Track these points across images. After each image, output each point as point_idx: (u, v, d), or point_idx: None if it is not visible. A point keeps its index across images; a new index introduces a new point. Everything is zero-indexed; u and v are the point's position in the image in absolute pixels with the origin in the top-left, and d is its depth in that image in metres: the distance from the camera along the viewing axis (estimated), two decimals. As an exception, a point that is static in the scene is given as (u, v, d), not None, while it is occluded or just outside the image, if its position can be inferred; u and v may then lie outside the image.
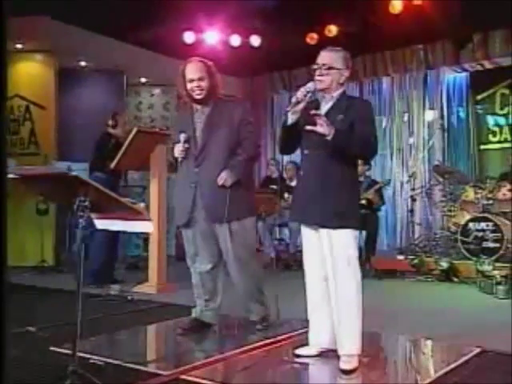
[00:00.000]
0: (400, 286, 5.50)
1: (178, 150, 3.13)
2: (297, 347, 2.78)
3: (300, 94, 2.61)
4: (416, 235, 6.88)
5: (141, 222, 2.05)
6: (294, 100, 2.63)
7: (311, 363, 2.69)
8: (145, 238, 6.93)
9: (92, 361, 2.64)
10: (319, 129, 2.52)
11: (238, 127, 3.18)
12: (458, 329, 3.46)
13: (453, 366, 2.57)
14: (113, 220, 2.09)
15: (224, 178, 3.08)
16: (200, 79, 3.12)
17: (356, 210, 2.75)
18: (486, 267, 5.27)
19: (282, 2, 7.13)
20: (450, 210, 6.48)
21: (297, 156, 8.01)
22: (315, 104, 2.72)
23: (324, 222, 2.61)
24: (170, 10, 6.77)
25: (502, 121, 7.59)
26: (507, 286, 4.63)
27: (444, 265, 5.58)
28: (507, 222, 5.81)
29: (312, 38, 8.00)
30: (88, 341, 3.13)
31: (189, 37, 7.81)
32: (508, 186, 5.94)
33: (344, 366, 2.56)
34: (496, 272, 4.95)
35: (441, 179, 6.66)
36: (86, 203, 2.03)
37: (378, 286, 5.30)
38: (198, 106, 3.23)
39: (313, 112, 2.57)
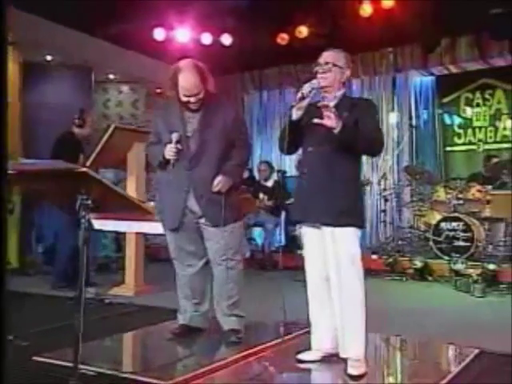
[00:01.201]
0: (377, 285, 5.44)
1: (170, 152, 2.87)
2: (299, 352, 2.65)
3: (306, 89, 2.52)
4: (387, 235, 6.88)
5: (149, 222, 1.85)
6: (299, 95, 2.52)
7: (315, 369, 2.56)
8: (114, 237, 6.66)
9: (83, 371, 2.42)
10: (327, 122, 2.42)
11: (232, 128, 3.00)
12: (443, 328, 3.43)
13: (458, 369, 2.50)
14: (116, 220, 1.89)
15: (220, 183, 2.91)
16: (197, 94, 2.87)
17: (360, 208, 2.65)
18: (459, 266, 5.31)
19: (254, 1, 7.02)
20: (420, 210, 6.52)
21: (268, 155, 7.81)
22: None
23: (328, 220, 2.51)
24: (141, 5, 6.53)
25: (466, 123, 7.72)
26: (484, 285, 4.65)
27: (418, 264, 5.60)
28: (476, 221, 5.89)
29: (283, 39, 7.91)
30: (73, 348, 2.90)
31: (159, 33, 7.56)
32: (477, 187, 6.02)
33: (352, 371, 2.45)
34: (472, 270, 4.97)
35: (410, 179, 6.68)
36: (89, 202, 1.83)
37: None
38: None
39: (321, 103, 2.49)
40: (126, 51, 7.49)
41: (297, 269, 6.63)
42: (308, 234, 2.65)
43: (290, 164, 8.58)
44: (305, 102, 2.52)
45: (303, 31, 7.71)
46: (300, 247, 7.38)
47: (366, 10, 7.07)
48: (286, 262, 6.77)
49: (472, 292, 4.64)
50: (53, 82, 7.11)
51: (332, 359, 2.60)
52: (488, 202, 5.93)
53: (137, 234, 4.70)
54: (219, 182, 2.90)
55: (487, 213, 5.90)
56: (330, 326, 2.60)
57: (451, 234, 5.80)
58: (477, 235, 5.71)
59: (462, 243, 5.73)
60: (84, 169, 1.68)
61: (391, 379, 2.55)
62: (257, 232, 6.79)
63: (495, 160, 6.39)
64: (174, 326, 3.16)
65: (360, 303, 2.51)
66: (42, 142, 6.42)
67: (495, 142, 7.50)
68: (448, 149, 7.81)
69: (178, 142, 2.87)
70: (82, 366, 2.49)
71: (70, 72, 7.27)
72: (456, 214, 5.90)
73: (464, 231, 5.75)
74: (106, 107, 8.10)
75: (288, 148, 2.59)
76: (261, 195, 6.31)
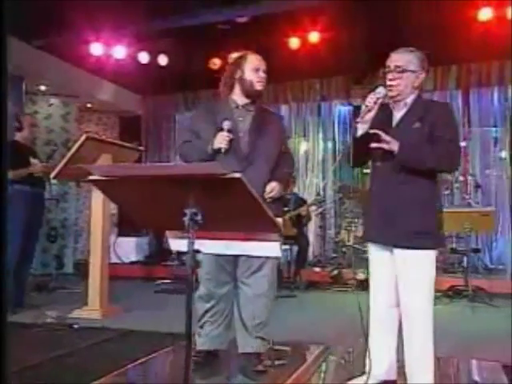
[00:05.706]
0: (327, 297, 5.32)
1: (222, 140, 2.43)
2: (350, 379, 2.27)
3: (370, 100, 2.15)
4: (326, 248, 6.79)
5: (269, 243, 1.40)
6: (363, 108, 2.15)
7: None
8: (55, 255, 5.74)
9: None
10: (384, 145, 2.12)
11: (282, 140, 2.70)
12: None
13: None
14: (228, 241, 1.41)
15: (275, 190, 2.51)
16: (264, 70, 2.62)
17: (437, 228, 2.21)
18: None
19: (189, 25, 6.64)
20: (350, 226, 6.49)
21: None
22: (386, 111, 2.25)
23: (400, 242, 2.14)
24: (80, 18, 5.83)
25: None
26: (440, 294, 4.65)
27: (361, 275, 5.50)
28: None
29: (214, 64, 7.59)
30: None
31: (96, 48, 6.82)
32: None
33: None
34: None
35: (343, 197, 6.65)
36: (199, 217, 1.35)
37: (306, 298, 5.15)
38: (240, 103, 2.60)
39: (372, 131, 2.14)
40: (60, 62, 6.64)
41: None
42: (376, 256, 2.28)
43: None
44: (371, 114, 2.15)
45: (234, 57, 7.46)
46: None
47: (294, 43, 7.04)
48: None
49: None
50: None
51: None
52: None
53: (103, 251, 4.03)
54: (274, 189, 2.50)
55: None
56: (389, 353, 2.29)
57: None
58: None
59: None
60: (238, 175, 1.19)
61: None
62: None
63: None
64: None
65: (430, 332, 2.16)
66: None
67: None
68: (365, 171, 7.94)
69: (229, 130, 2.46)
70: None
71: (-2, 80, 6.23)
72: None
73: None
74: (34, 119, 7.06)
75: (355, 162, 2.23)
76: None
